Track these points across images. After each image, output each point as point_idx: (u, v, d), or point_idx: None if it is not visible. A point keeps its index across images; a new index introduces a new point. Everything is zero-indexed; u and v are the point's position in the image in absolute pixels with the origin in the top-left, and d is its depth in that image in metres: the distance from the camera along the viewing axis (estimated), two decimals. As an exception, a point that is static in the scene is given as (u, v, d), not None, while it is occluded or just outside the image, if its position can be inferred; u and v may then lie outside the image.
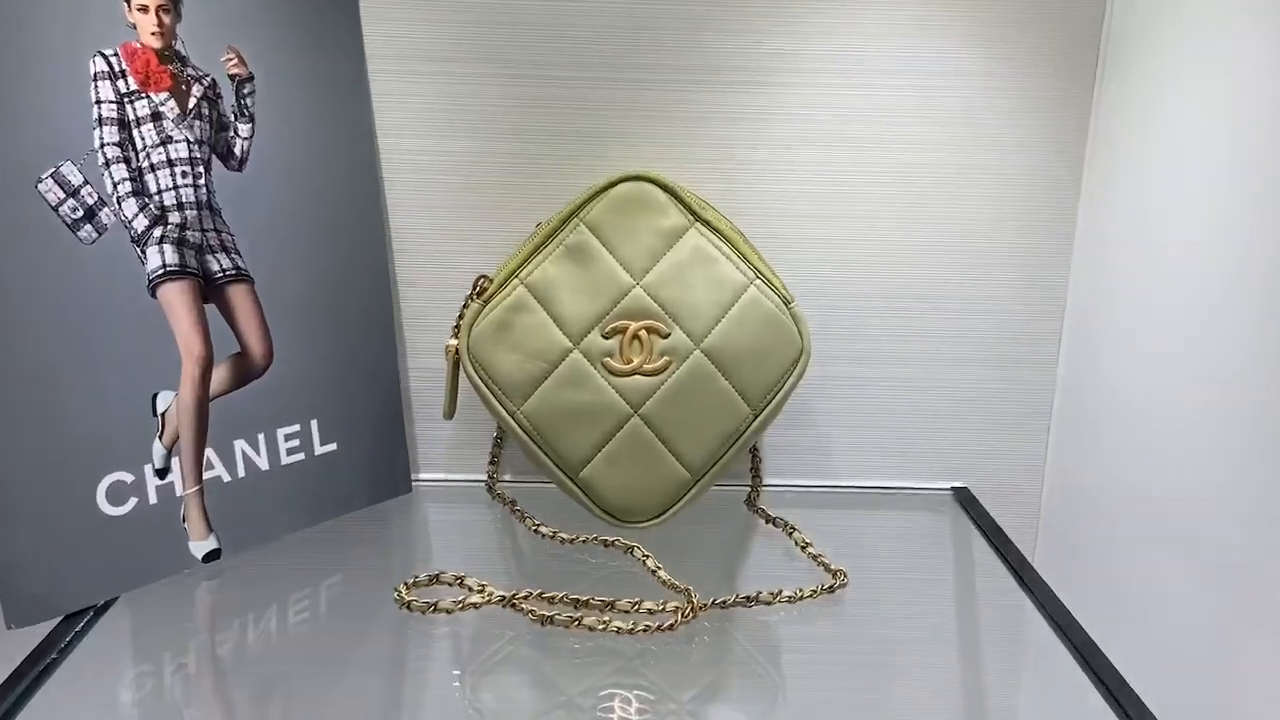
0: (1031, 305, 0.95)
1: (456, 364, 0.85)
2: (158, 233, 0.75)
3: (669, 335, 0.83)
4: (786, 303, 0.84)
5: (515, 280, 0.84)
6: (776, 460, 0.99)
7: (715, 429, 0.83)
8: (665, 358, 0.83)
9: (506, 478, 0.98)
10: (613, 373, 0.83)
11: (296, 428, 0.85)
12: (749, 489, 0.95)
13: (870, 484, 1.00)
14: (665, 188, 0.84)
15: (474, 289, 0.84)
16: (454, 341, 0.84)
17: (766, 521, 0.90)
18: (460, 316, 0.85)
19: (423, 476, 0.98)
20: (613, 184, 0.84)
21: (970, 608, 0.82)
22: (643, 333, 0.83)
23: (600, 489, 0.84)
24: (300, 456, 0.86)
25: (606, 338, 0.83)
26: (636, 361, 0.83)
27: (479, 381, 0.84)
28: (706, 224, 0.84)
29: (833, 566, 0.81)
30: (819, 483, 0.99)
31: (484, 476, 0.97)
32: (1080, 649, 0.72)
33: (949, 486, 1.00)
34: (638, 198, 0.84)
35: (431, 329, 0.94)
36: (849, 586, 0.80)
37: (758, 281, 0.84)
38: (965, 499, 0.97)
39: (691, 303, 0.83)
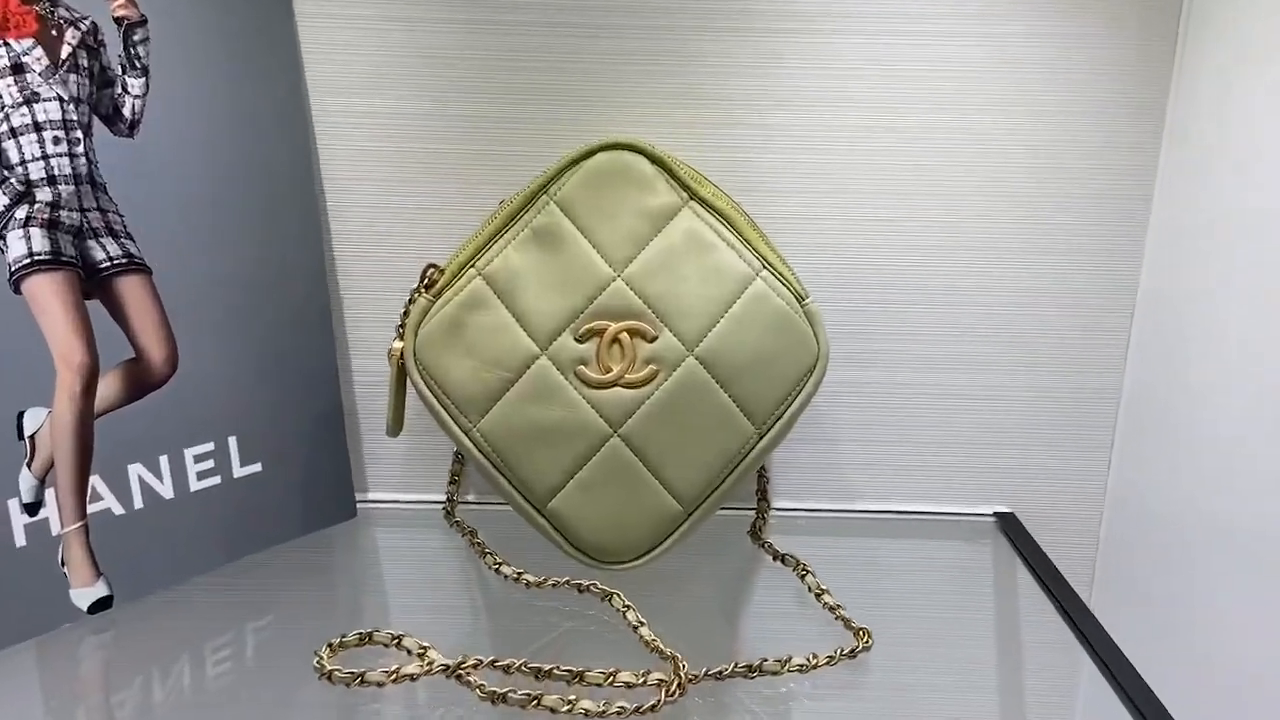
0: (1097, 301, 0.80)
1: (402, 371, 0.70)
2: (21, 214, 0.61)
3: (656, 339, 0.68)
4: (800, 299, 0.69)
5: (471, 270, 0.69)
6: (786, 480, 0.84)
7: (712, 452, 0.69)
8: (652, 366, 0.68)
9: (470, 498, 0.84)
10: (588, 384, 0.68)
11: (209, 447, 0.71)
12: (753, 516, 0.80)
13: (897, 508, 0.85)
14: (653, 158, 0.69)
15: (422, 280, 0.70)
16: (398, 344, 0.70)
17: (775, 559, 0.75)
18: (405, 314, 0.70)
19: (371, 497, 0.84)
20: (589, 153, 0.69)
21: (1015, 658, 0.69)
22: (624, 335, 0.68)
23: (573, 523, 0.69)
24: (214, 481, 0.72)
25: (581, 341, 0.68)
26: (617, 370, 0.68)
27: (427, 393, 0.69)
28: (703, 202, 0.70)
29: (855, 624, 0.66)
30: (836, 507, 0.85)
31: (442, 498, 0.82)
32: (1142, 709, 0.60)
33: (991, 512, 0.85)
34: (619, 170, 0.69)
35: (380, 323, 0.80)
36: (874, 648, 0.65)
37: (765, 273, 0.69)
38: (1010, 526, 0.83)
39: (684, 299, 0.68)
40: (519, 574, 0.71)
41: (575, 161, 0.69)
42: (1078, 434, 0.83)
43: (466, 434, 0.69)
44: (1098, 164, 0.77)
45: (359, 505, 0.81)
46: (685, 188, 0.70)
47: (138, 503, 0.68)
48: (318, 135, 0.76)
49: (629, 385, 0.68)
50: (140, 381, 0.67)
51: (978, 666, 0.67)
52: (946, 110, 0.76)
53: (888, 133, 0.77)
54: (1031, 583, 0.77)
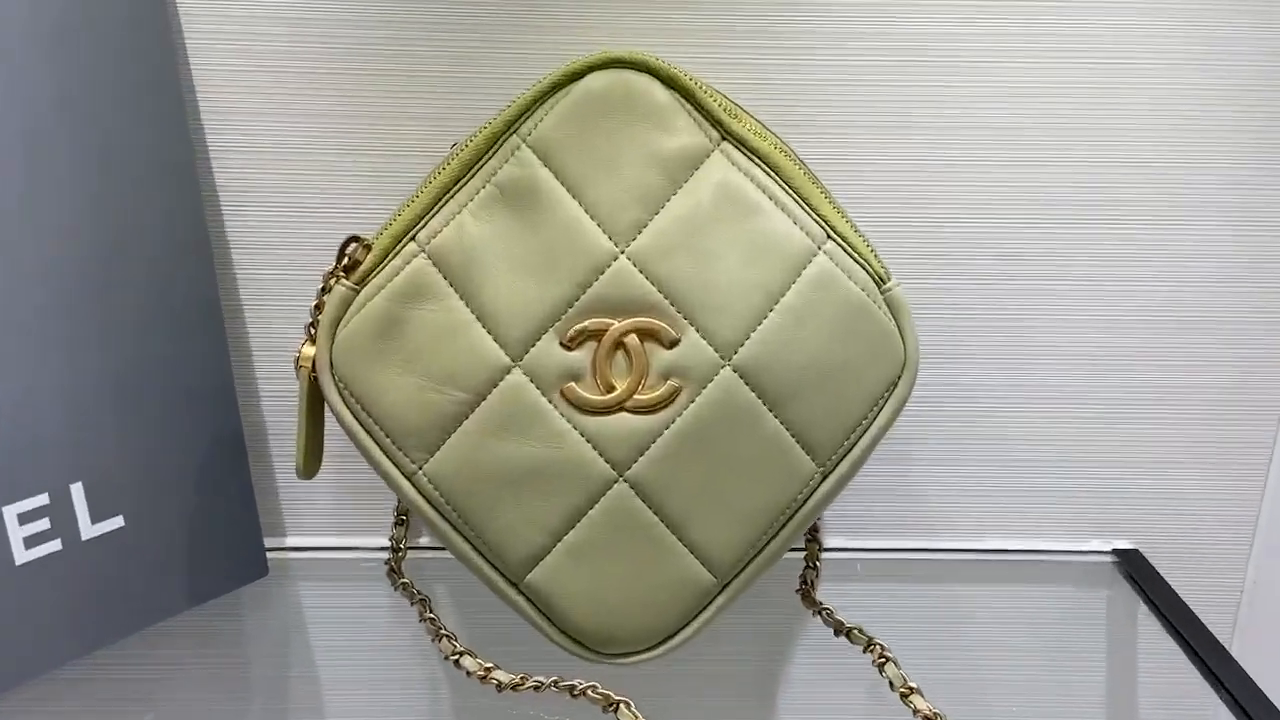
0: (1261, 285, 0.61)
1: (315, 388, 0.50)
2: None
3: (678, 343, 0.47)
4: (880, 282, 0.49)
5: (410, 245, 0.48)
6: (842, 512, 0.64)
7: (758, 500, 0.49)
8: (672, 382, 0.48)
9: (423, 542, 0.63)
10: (581, 408, 0.48)
11: (41, 500, 0.50)
12: (803, 568, 0.60)
13: (990, 546, 0.65)
14: (669, 80, 0.48)
15: (339, 260, 0.49)
16: (309, 350, 0.49)
17: (838, 633, 0.55)
18: (318, 308, 0.49)
19: (290, 544, 0.63)
20: (577, 75, 0.48)
21: None
22: (633, 339, 0.47)
23: (561, 602, 0.49)
24: (53, 547, 0.51)
25: (570, 347, 0.48)
26: (622, 389, 0.48)
27: (351, 421, 0.49)
28: (741, 144, 0.49)
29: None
30: (908, 545, 0.65)
31: (384, 543, 0.62)
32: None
33: (1110, 549, 0.65)
34: (621, 99, 0.48)
35: (293, 318, 0.59)
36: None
37: (831, 245, 0.48)
38: (1135, 566, 0.63)
39: (717, 284, 0.47)
40: (486, 671, 0.51)
41: (557, 87, 0.48)
42: (1227, 453, 0.63)
43: (409, 479, 0.49)
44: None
45: (272, 558, 0.61)
46: (716, 123, 0.49)
47: (-69, 589, 0.47)
48: (188, 49, 0.54)
49: (640, 409, 0.48)
50: (-74, 415, 0.46)
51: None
52: (1073, 62, 0.56)
53: (1007, 42, 0.56)
54: (1161, 636, 0.59)
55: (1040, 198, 0.59)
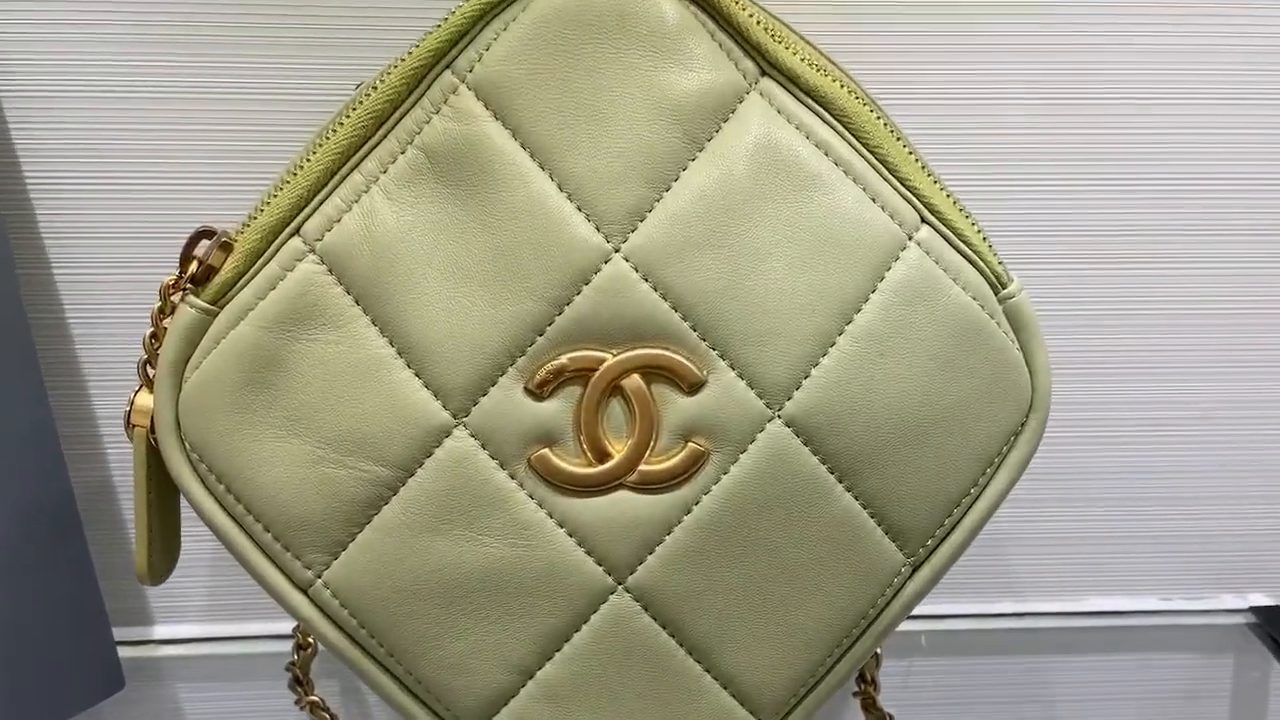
0: None
1: (154, 456, 0.33)
2: None
3: (703, 385, 0.32)
4: (999, 286, 0.33)
5: (294, 242, 0.32)
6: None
7: (820, 611, 0.33)
8: (695, 443, 0.32)
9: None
10: (560, 486, 0.32)
11: None
12: (859, 672, 0.45)
13: (1090, 609, 0.50)
14: (684, -15, 0.32)
15: (185, 266, 0.32)
16: (145, 399, 0.33)
17: (913, 762, 0.41)
18: (154, 338, 0.33)
19: (160, 636, 0.47)
20: (542, -25, 0.31)
21: None
22: (635, 381, 0.31)
23: (535, 763, 0.34)
24: None
25: (539, 395, 0.32)
26: (622, 455, 0.32)
27: (213, 508, 0.33)
28: (793, 80, 0.32)
29: None
30: (985, 609, 0.50)
31: (285, 631, 0.45)
32: None
33: (1246, 606, 0.51)
34: (609, 12, 0.31)
35: (134, 339, 0.42)
36: None
37: (926, 232, 0.32)
38: (1277, 626, 0.49)
39: (760, 298, 0.32)
40: None
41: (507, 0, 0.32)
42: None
43: (303, 591, 0.33)
44: None
45: (138, 655, 0.44)
46: (754, 49, 0.32)
47: None
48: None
49: (648, 486, 0.32)
50: None
51: None
52: None
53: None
54: None
55: (1183, 169, 0.44)
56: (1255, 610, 0.50)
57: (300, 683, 0.43)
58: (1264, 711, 0.51)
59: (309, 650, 0.44)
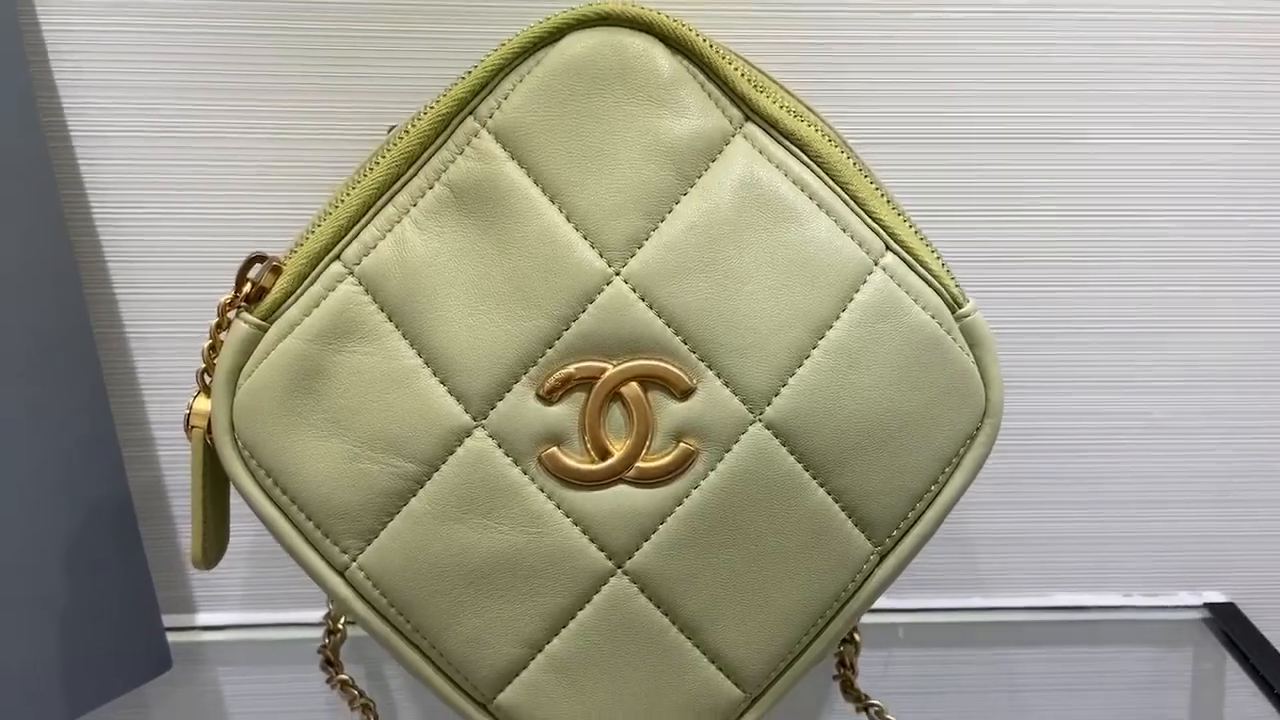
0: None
1: (213, 456, 0.38)
2: None
3: (693, 393, 0.36)
4: (955, 306, 0.37)
5: (335, 266, 0.36)
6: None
7: (798, 593, 0.37)
8: (686, 443, 0.36)
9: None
10: (567, 480, 0.36)
11: None
12: (838, 649, 0.48)
13: (1054, 603, 0.54)
14: (676, 42, 0.36)
15: (240, 287, 0.36)
16: (202, 404, 0.37)
17: (886, 737, 0.45)
18: (212, 349, 0.37)
19: (203, 623, 0.51)
20: (553, 35, 0.36)
21: None
22: (633, 388, 0.36)
23: (543, 729, 0.38)
24: None
25: (549, 401, 0.36)
26: (621, 454, 0.36)
27: (262, 501, 0.37)
28: (772, 125, 0.37)
29: None
30: (959, 604, 0.54)
31: (317, 619, 0.50)
32: None
33: (1201, 603, 0.55)
34: (612, 68, 0.36)
35: (188, 346, 0.46)
36: None
37: (891, 259, 0.37)
38: (1230, 622, 0.53)
39: (744, 316, 0.36)
40: (449, 813, 0.40)
41: (527, 52, 0.36)
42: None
43: (340, 574, 0.37)
44: None
45: (183, 640, 0.49)
46: (738, 99, 0.37)
47: None
48: (37, 10, 0.42)
49: (644, 481, 0.36)
50: None
51: None
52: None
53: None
54: (1256, 702, 0.50)
55: (1131, 190, 0.48)
56: (1210, 606, 0.54)
57: (331, 663, 0.47)
58: (1221, 701, 0.54)
59: (338, 635, 0.48)
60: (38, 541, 0.43)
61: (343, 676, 0.46)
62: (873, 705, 0.46)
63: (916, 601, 0.53)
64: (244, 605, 0.51)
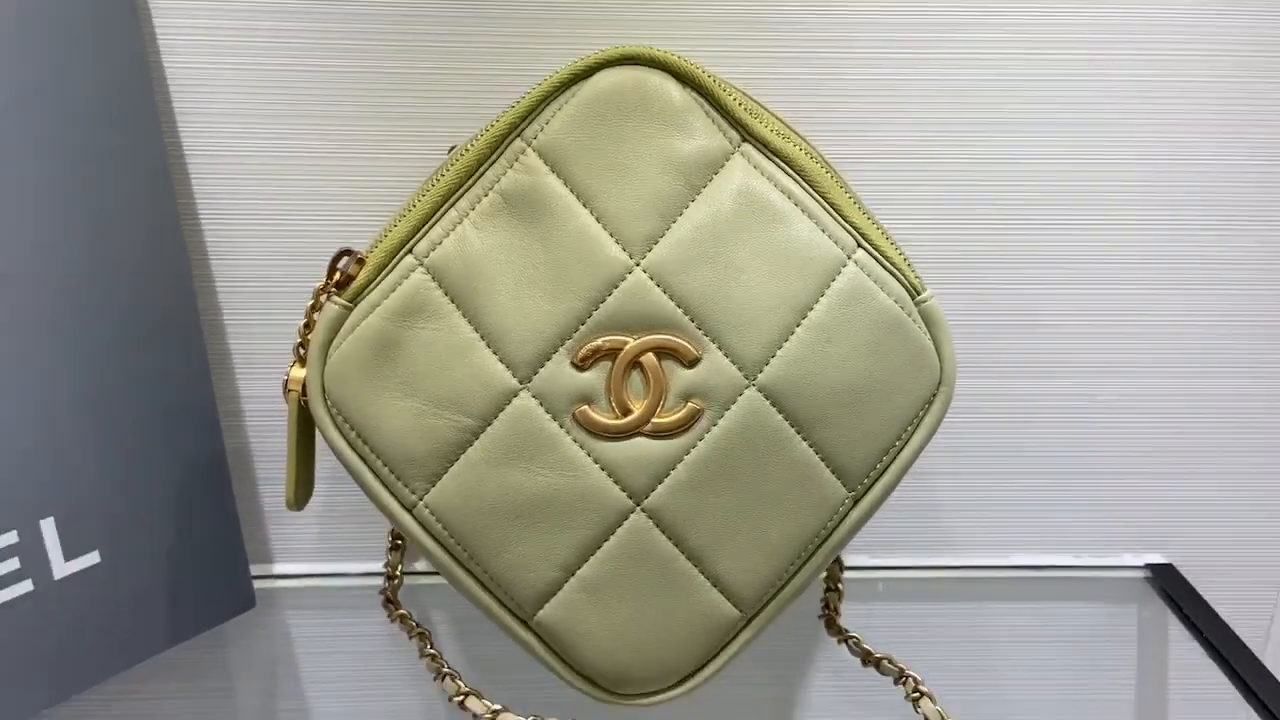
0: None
1: (305, 415, 0.46)
2: None
3: (699, 361, 0.44)
4: (915, 293, 0.45)
5: (408, 259, 0.45)
6: (866, 529, 0.60)
7: (785, 529, 0.45)
8: (693, 403, 0.44)
9: (419, 568, 0.60)
10: (595, 433, 0.44)
11: (10, 539, 0.46)
12: (824, 590, 0.56)
13: (1013, 563, 0.62)
14: (685, 78, 0.45)
15: (331, 276, 0.45)
16: (299, 372, 0.45)
17: (865, 663, 0.52)
18: (308, 327, 0.46)
19: (279, 571, 0.59)
20: (586, 72, 0.44)
21: None
22: (650, 358, 0.44)
23: (575, 641, 0.46)
24: (23, 588, 0.47)
25: (582, 368, 0.44)
26: (639, 411, 0.44)
27: (347, 450, 0.45)
28: (764, 145, 0.45)
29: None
30: (932, 562, 0.61)
31: (378, 568, 0.58)
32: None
33: (1143, 564, 0.62)
34: (634, 99, 0.44)
35: (278, 334, 0.55)
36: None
37: (862, 254, 0.45)
38: (1169, 581, 0.60)
39: (740, 299, 0.44)
40: (494, 714, 0.48)
41: (564, 86, 0.45)
42: (1259, 460, 0.60)
43: (409, 510, 0.45)
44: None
45: (260, 586, 0.57)
46: (736, 123, 0.45)
47: (-111, 639, 0.43)
48: (161, 49, 0.50)
49: (658, 434, 0.44)
50: (-121, 451, 0.42)
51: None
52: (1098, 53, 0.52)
53: (1023, 66, 0.53)
54: (1194, 651, 0.57)
55: (1070, 203, 0.56)
56: (1150, 567, 0.61)
57: (391, 602, 0.55)
58: (1165, 651, 0.61)
59: (396, 580, 0.56)
60: (148, 493, 0.51)
61: (401, 612, 0.54)
62: (851, 637, 0.53)
63: (894, 560, 0.61)
64: (313, 558, 0.59)
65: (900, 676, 0.50)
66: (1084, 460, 0.60)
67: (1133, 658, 0.61)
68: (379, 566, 0.58)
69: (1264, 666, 0.54)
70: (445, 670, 0.50)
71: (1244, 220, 0.56)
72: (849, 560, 0.60)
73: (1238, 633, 0.56)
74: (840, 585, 0.57)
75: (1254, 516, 0.62)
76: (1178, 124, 0.55)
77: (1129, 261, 0.57)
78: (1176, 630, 0.60)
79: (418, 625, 0.53)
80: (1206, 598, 0.59)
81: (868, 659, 0.52)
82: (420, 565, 0.59)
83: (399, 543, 0.57)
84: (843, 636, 0.54)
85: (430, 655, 0.51)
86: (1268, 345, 0.58)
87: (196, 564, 0.54)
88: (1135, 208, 0.56)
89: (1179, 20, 0.53)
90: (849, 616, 0.56)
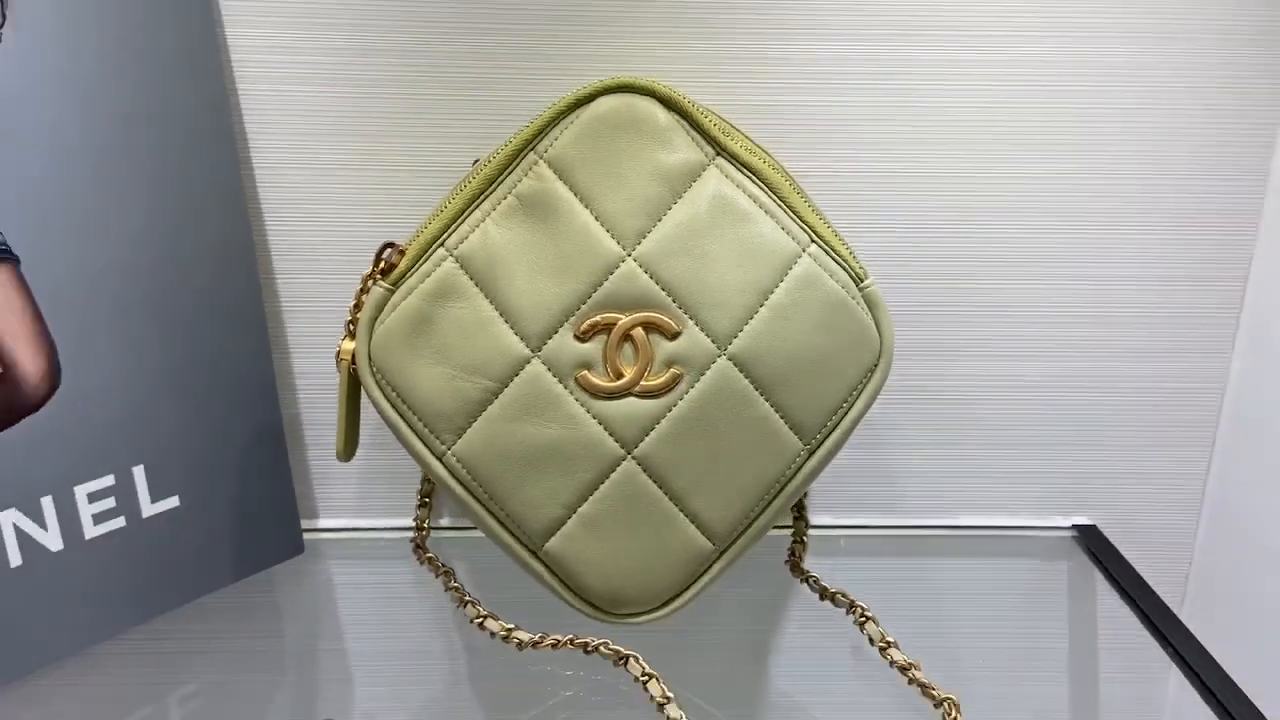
0: (1202, 274, 0.67)
1: (354, 380, 0.55)
2: None
3: (679, 335, 0.53)
4: (859, 280, 0.55)
5: (440, 251, 0.54)
6: (825, 492, 0.70)
7: (750, 475, 0.55)
8: (674, 369, 0.54)
9: (444, 522, 0.69)
10: (593, 393, 0.54)
11: (108, 481, 0.56)
12: (790, 541, 0.66)
13: (957, 523, 0.71)
14: (669, 103, 0.54)
15: (376, 264, 0.54)
16: (349, 345, 0.55)
17: (823, 598, 0.61)
18: (357, 307, 0.55)
19: (321, 525, 0.69)
20: (588, 98, 0.54)
21: (1103, 691, 0.63)
22: (639, 331, 0.53)
23: (576, 568, 0.55)
24: (117, 524, 0.57)
25: (583, 339, 0.54)
26: (630, 376, 0.53)
27: (388, 408, 0.54)
28: (733, 159, 0.55)
29: (938, 692, 0.53)
30: (888, 522, 0.71)
31: (409, 524, 0.67)
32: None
33: (1070, 525, 0.71)
34: (627, 120, 0.54)
35: (327, 314, 0.64)
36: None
37: (814, 248, 0.54)
38: (1094, 541, 0.70)
39: (713, 283, 0.53)
40: (509, 631, 0.57)
41: (571, 109, 0.54)
42: (1175, 435, 0.69)
43: (439, 459, 0.55)
44: (1210, 135, 0.64)
45: (306, 537, 0.66)
46: (711, 141, 0.55)
47: (14, 559, 0.53)
48: (236, 77, 0.60)
49: (645, 394, 0.54)
50: (10, 402, 0.52)
51: (1061, 703, 0.62)
52: (1044, 40, 0.62)
53: (956, 76, 0.62)
54: (1118, 604, 0.65)
55: (1006, 204, 0.65)
56: (1077, 528, 0.71)
57: (419, 547, 0.65)
58: (1093, 602, 0.69)
59: (424, 531, 0.66)
60: (217, 450, 0.60)
61: (429, 555, 0.64)
62: (811, 577, 0.62)
63: (855, 520, 0.70)
64: (353, 513, 0.69)
65: (850, 607, 0.59)
66: (1018, 433, 0.69)
67: (1064, 607, 0.69)
68: (409, 521, 0.67)
69: (1177, 617, 0.62)
70: (467, 599, 0.60)
71: (1164, 226, 0.65)
72: (814, 519, 0.69)
73: (1157, 588, 0.65)
74: (805, 539, 0.66)
75: (1169, 483, 0.71)
76: (1105, 140, 0.64)
77: (1053, 260, 0.66)
78: (1101, 584, 0.69)
79: (444, 565, 0.63)
80: (1130, 557, 0.68)
81: (824, 594, 0.61)
82: (444, 521, 0.69)
83: (426, 500, 0.67)
84: (804, 576, 0.63)
85: (454, 588, 0.61)
86: (1174, 334, 0.67)
87: (255, 513, 0.63)
88: (1071, 213, 0.65)
89: (1101, 51, 0.63)
90: (815, 570, 0.64)
